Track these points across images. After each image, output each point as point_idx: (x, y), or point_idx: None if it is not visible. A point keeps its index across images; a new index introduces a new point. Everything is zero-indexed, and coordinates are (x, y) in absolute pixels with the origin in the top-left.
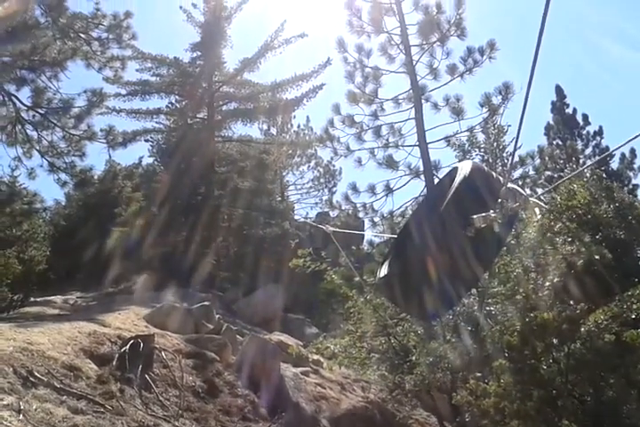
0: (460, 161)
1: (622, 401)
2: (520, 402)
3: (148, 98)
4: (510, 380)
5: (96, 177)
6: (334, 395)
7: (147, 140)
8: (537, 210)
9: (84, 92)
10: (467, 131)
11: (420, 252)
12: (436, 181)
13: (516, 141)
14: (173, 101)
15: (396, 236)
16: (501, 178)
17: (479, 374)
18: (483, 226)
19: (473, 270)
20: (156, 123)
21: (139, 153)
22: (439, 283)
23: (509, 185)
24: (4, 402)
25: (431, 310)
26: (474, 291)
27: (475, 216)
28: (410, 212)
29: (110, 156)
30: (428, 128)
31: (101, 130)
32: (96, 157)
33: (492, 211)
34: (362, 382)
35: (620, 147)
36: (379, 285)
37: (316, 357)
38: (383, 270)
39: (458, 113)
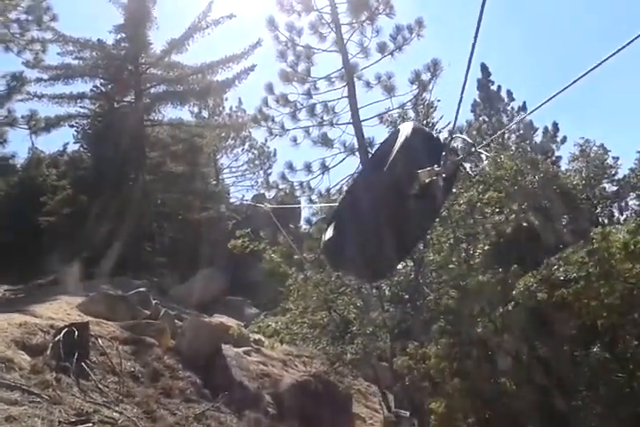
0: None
1: (555, 357)
2: (459, 362)
3: (72, 82)
4: (449, 341)
5: (19, 165)
6: (277, 371)
7: (71, 126)
8: (484, 157)
9: (3, 76)
10: (398, 108)
11: (364, 212)
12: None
13: (460, 99)
14: (98, 85)
15: (338, 203)
16: (441, 138)
17: (417, 343)
18: (427, 181)
19: (417, 227)
20: (81, 108)
21: (63, 140)
22: (384, 242)
23: (457, 135)
24: None
25: (375, 270)
26: (409, 261)
27: (420, 171)
28: (345, 189)
29: (33, 143)
30: (361, 106)
31: (23, 116)
32: (18, 145)
33: (436, 165)
34: (304, 358)
35: (535, 109)
36: (323, 248)
37: (257, 336)
38: (327, 234)
39: (389, 90)
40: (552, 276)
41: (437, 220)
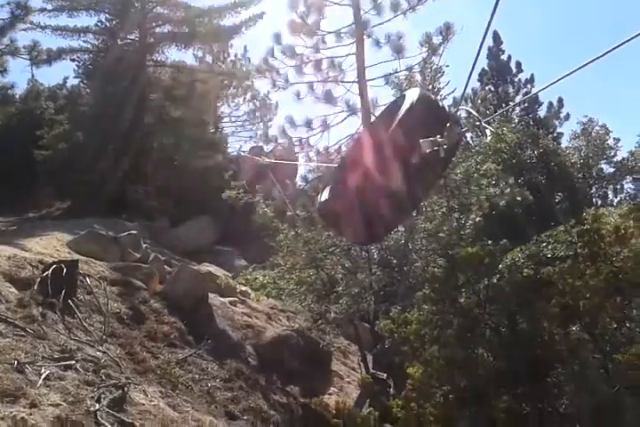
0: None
1: (535, 334)
2: (440, 329)
3: (76, 15)
4: (432, 309)
5: (17, 96)
6: (260, 324)
7: (73, 60)
8: (488, 132)
9: (8, 3)
10: (406, 70)
11: (362, 175)
12: (373, 118)
13: (473, 68)
14: (103, 20)
15: (335, 165)
16: (447, 107)
17: (400, 308)
18: (429, 151)
19: (414, 196)
20: (84, 42)
21: (64, 74)
22: (380, 207)
23: (463, 107)
24: None
25: (370, 234)
26: (401, 227)
27: (422, 140)
28: (345, 149)
29: (33, 75)
30: (368, 65)
31: (24, 46)
32: (18, 75)
33: (438, 136)
34: (288, 313)
35: (541, 90)
36: (318, 209)
37: (244, 288)
38: (324, 195)
39: (398, 51)
40: (540, 253)
41: (430, 192)
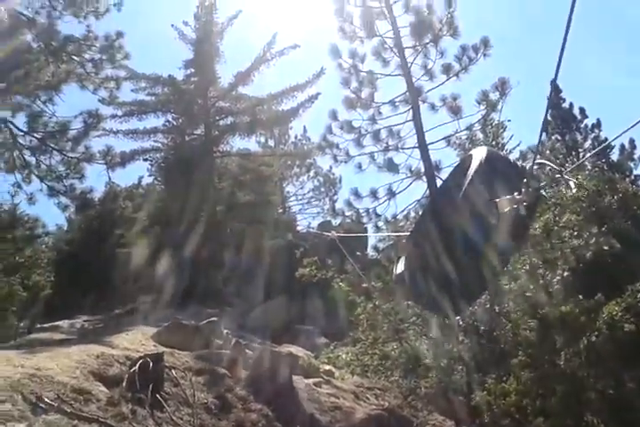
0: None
1: None
2: (542, 399)
3: (145, 117)
4: (530, 376)
5: (96, 199)
6: (348, 404)
7: (145, 160)
8: (572, 183)
9: (80, 114)
10: (466, 129)
11: (438, 244)
12: (440, 182)
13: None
14: (170, 119)
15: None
16: (518, 163)
17: (494, 376)
18: (507, 209)
19: (497, 259)
20: (154, 142)
21: (138, 173)
22: (461, 275)
23: (539, 160)
24: None
25: (452, 302)
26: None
27: (498, 200)
28: (413, 214)
29: (110, 177)
30: (426, 129)
31: (99, 152)
32: (95, 179)
33: (516, 193)
34: (375, 390)
35: (619, 136)
36: (396, 281)
37: (327, 367)
38: (400, 266)
39: (456, 112)
40: (638, 303)
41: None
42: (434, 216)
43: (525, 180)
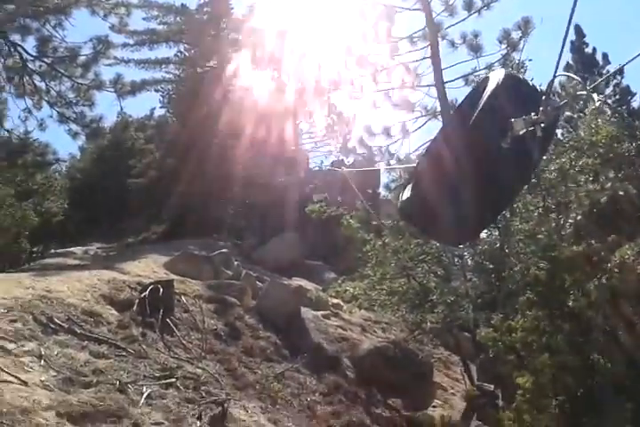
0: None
1: None
2: (549, 336)
3: (156, 47)
4: (538, 314)
5: (107, 129)
6: (355, 336)
7: (157, 91)
8: (595, 97)
9: (90, 40)
10: (485, 68)
11: (447, 169)
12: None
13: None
14: (182, 50)
15: (416, 163)
16: (539, 87)
17: (501, 314)
18: (522, 131)
19: (509, 187)
20: (166, 73)
21: (150, 105)
22: (470, 203)
23: (561, 73)
24: (25, 348)
25: (458, 233)
26: (494, 230)
27: (514, 120)
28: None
29: (122, 107)
30: (444, 67)
31: (109, 80)
32: (107, 109)
33: (532, 113)
34: (382, 324)
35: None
36: (400, 209)
37: (335, 300)
38: (405, 194)
39: (476, 50)
40: None
41: (529, 182)
42: (445, 140)
43: (544, 98)
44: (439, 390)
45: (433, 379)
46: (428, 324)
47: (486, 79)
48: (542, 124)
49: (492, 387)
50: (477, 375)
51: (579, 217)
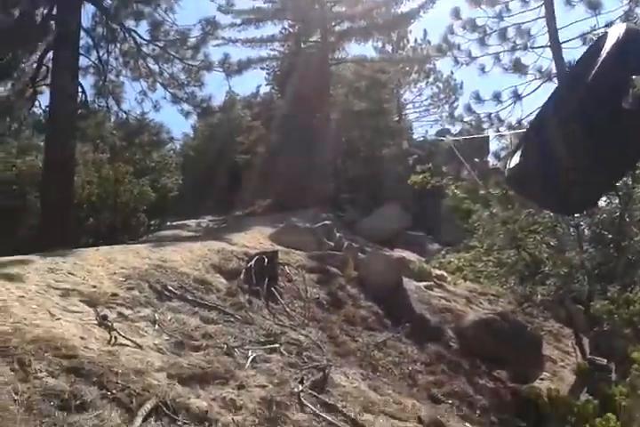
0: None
1: None
2: None
3: (262, 26)
4: None
5: (216, 107)
6: (460, 308)
7: (262, 69)
8: None
9: (199, 22)
10: (605, 26)
11: (560, 133)
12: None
13: None
14: (286, 27)
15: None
16: None
17: (618, 286)
18: None
19: (629, 150)
20: (271, 50)
21: (257, 82)
22: (584, 170)
23: None
24: (141, 314)
25: (572, 201)
26: (614, 197)
27: (635, 77)
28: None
29: (230, 86)
30: (560, 26)
31: (218, 61)
32: (216, 89)
33: None
34: (489, 296)
35: None
36: (509, 177)
37: (439, 272)
38: (514, 160)
39: (594, 7)
40: None
41: None
42: (560, 100)
43: None
44: (548, 362)
45: (542, 351)
46: (539, 296)
47: (605, 35)
48: None
49: (604, 361)
50: (590, 349)
51: None
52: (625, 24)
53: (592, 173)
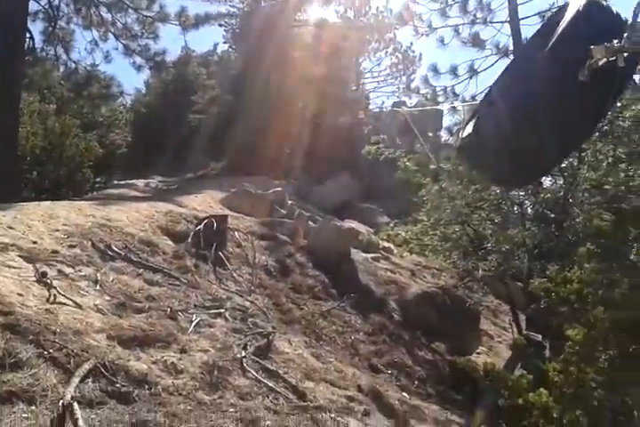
0: None
1: None
2: (606, 289)
3: None
4: (597, 266)
5: (171, 63)
6: (404, 280)
7: (220, 25)
8: None
9: None
10: (564, 5)
11: (513, 102)
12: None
13: None
14: None
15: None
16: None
17: (558, 265)
18: (602, 61)
19: (580, 126)
20: (230, 6)
21: (214, 40)
22: (538, 140)
23: None
24: (82, 273)
25: (524, 174)
26: (559, 177)
27: (593, 47)
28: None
29: (185, 42)
30: (521, 2)
31: (174, 14)
32: (171, 44)
33: (615, 41)
34: (433, 270)
35: None
36: (461, 147)
37: (386, 244)
38: (467, 130)
39: None
40: None
41: (603, 119)
42: (515, 72)
43: (630, 25)
44: (485, 337)
45: (480, 326)
46: (480, 271)
47: (565, 6)
48: (625, 55)
49: (540, 338)
50: (526, 326)
51: None
52: None
53: (545, 144)
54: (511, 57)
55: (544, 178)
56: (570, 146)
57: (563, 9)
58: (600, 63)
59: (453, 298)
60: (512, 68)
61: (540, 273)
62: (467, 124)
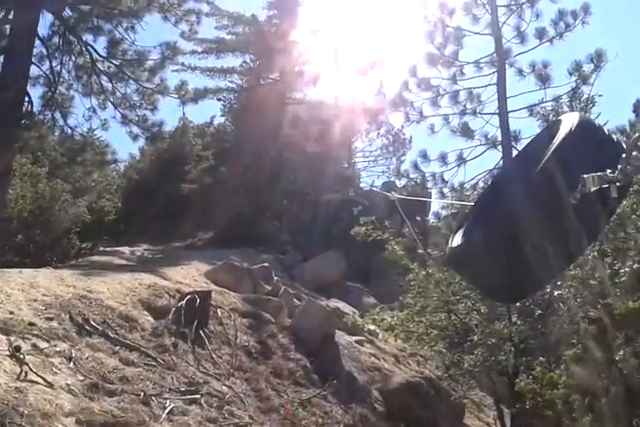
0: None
1: None
2: (593, 397)
3: (223, 56)
4: (583, 372)
5: (167, 133)
6: (388, 367)
7: (219, 99)
8: None
9: (160, 45)
10: (552, 100)
11: (507, 219)
12: (515, 151)
13: None
14: (247, 61)
15: (473, 203)
16: (616, 137)
17: (544, 362)
18: (593, 189)
19: (573, 246)
20: (229, 82)
21: (212, 112)
22: (528, 259)
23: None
24: (57, 348)
25: (513, 292)
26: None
27: (586, 175)
28: (482, 185)
29: (184, 113)
30: (509, 95)
31: (175, 87)
32: (169, 114)
33: (609, 170)
34: (417, 357)
35: None
36: (450, 256)
37: (372, 327)
38: (457, 239)
39: (544, 80)
40: None
41: (593, 243)
42: (503, 190)
43: (625, 156)
44: None
45: (463, 421)
46: (466, 364)
47: (558, 122)
48: (618, 184)
49: None
50: (511, 424)
51: (635, 266)
52: (578, 114)
53: (532, 268)
54: (499, 148)
55: None
56: (561, 267)
57: (556, 123)
58: (592, 189)
59: (438, 389)
60: (499, 181)
61: (526, 370)
62: (457, 230)
